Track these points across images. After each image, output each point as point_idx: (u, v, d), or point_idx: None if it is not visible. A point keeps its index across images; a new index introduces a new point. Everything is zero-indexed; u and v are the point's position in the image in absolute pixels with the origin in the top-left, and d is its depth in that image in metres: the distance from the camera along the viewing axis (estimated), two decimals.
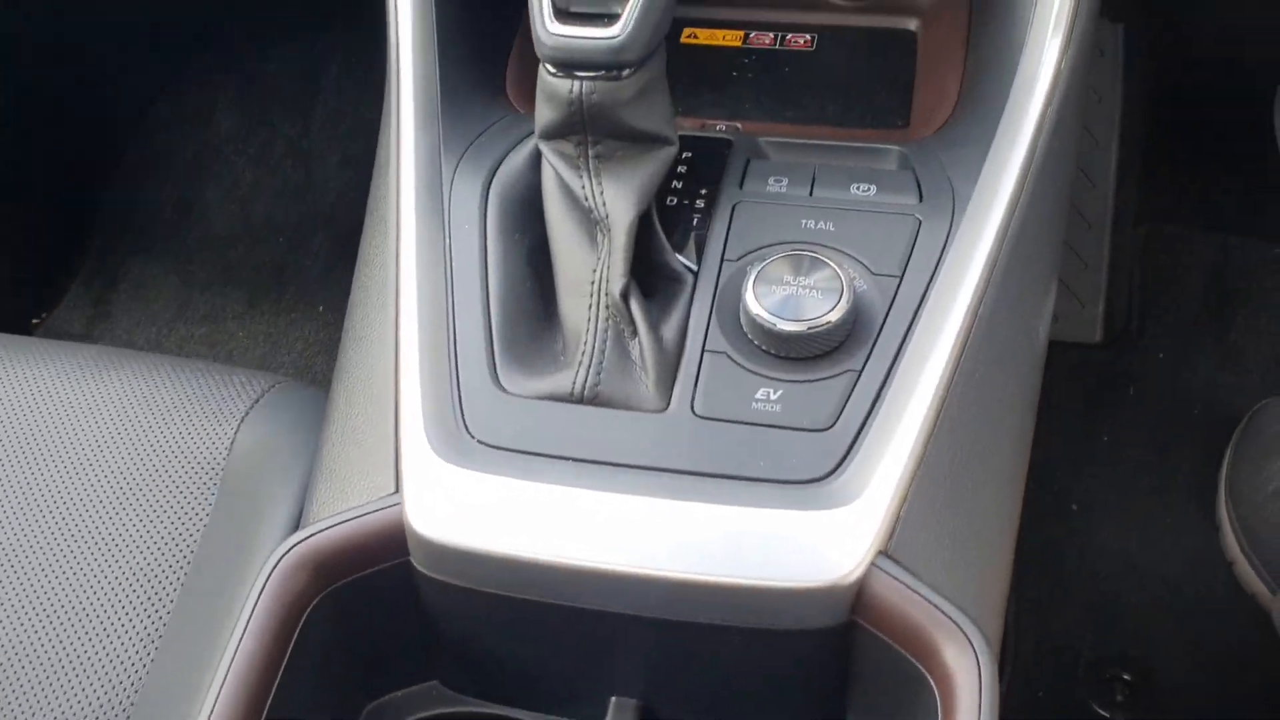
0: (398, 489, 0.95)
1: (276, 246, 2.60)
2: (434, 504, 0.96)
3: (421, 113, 1.20)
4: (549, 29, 1.00)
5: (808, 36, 1.48)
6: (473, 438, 1.00)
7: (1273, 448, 1.99)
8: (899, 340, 1.01)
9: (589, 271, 1.05)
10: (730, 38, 1.49)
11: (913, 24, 1.47)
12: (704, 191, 1.15)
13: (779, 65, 1.45)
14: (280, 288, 2.55)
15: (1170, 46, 2.06)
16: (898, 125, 1.34)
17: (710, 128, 1.36)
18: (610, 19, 1.00)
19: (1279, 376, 2.28)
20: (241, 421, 1.39)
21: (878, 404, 0.98)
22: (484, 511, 0.96)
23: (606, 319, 1.04)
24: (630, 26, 0.99)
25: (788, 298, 1.00)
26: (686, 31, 1.50)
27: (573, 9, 1.01)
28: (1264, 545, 1.93)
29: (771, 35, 1.49)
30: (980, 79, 1.26)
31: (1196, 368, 2.27)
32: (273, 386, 1.44)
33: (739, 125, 1.36)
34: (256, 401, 1.41)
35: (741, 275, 1.05)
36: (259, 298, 2.56)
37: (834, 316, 0.99)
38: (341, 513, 0.98)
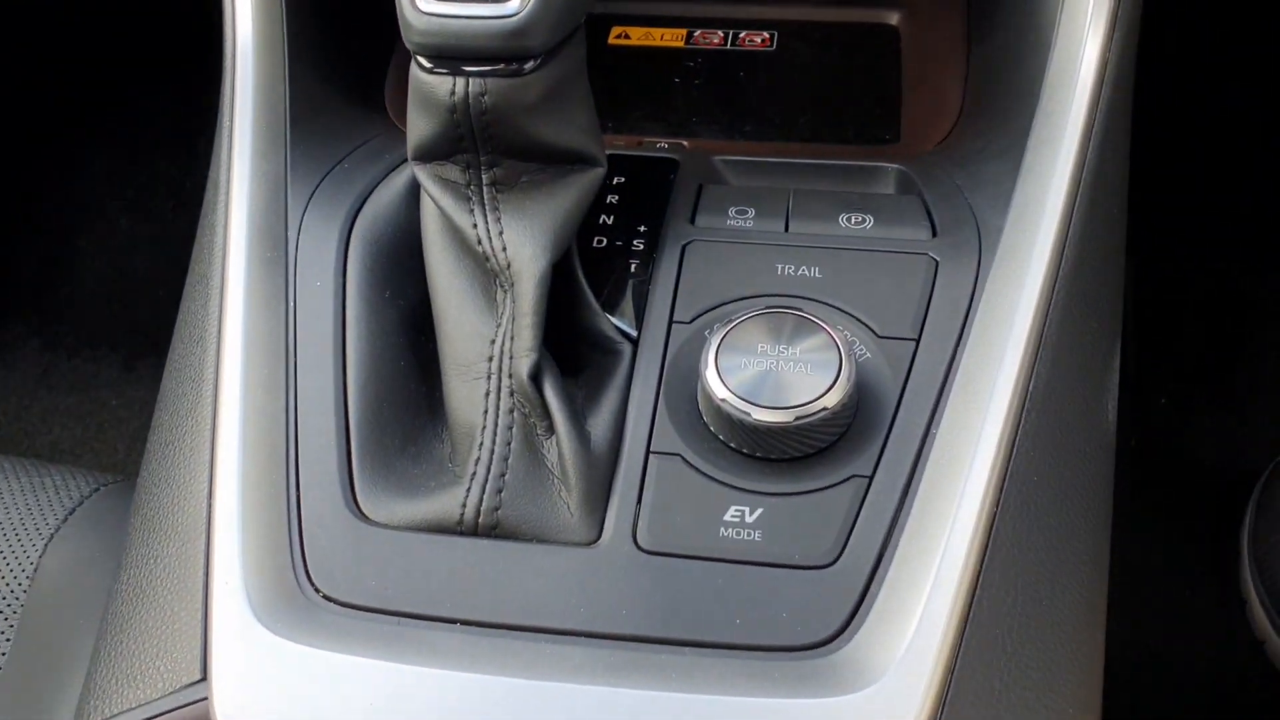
0: (204, 675, 0.64)
1: (157, 302, 2.28)
2: (255, 698, 0.65)
3: (262, 131, 0.90)
4: (419, 5, 0.71)
5: (766, 34, 1.21)
6: (317, 592, 0.69)
7: None
8: (921, 431, 0.72)
9: (485, 344, 0.76)
10: (670, 37, 1.21)
11: (894, 18, 1.20)
12: (643, 228, 0.86)
13: (732, 69, 1.17)
14: (160, 349, 2.22)
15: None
16: (885, 140, 1.06)
17: (649, 146, 1.07)
18: None
19: None
20: (50, 540, 1.06)
21: (898, 526, 0.69)
22: (331, 712, 0.64)
23: (510, 410, 0.74)
24: (533, 2, 0.70)
25: (764, 375, 0.71)
26: (615, 30, 1.22)
27: None
28: None
29: (721, 34, 1.21)
30: (994, 78, 0.99)
31: (1200, 415, 2.03)
32: (97, 489, 1.12)
33: (684, 143, 1.07)
34: (73, 512, 1.09)
35: (699, 344, 0.76)
36: (136, 361, 2.25)
37: (830, 400, 0.70)
38: (123, 714, 0.66)
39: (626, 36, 1.22)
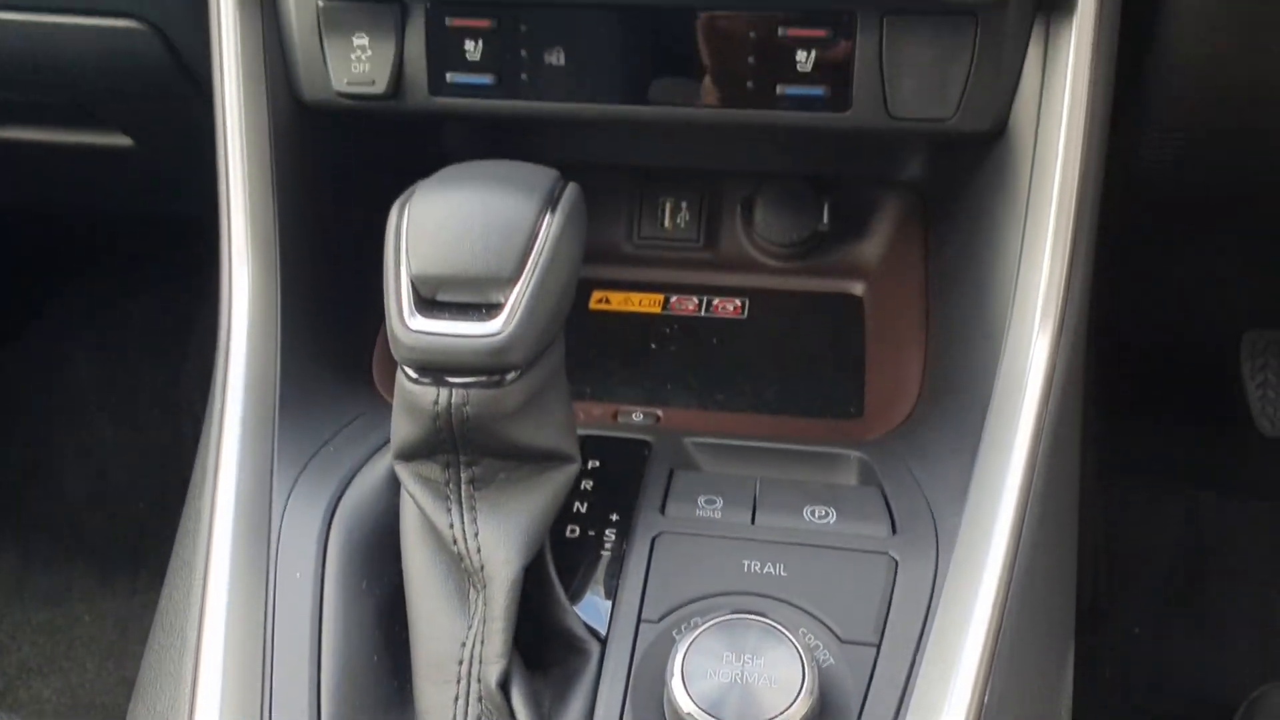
0: None
1: (136, 514, 2.28)
2: None
3: (251, 418, 0.93)
4: (408, 324, 0.76)
5: (738, 302, 1.27)
6: None
7: None
8: None
9: (456, 645, 0.78)
10: (648, 303, 1.27)
11: (858, 288, 1.26)
12: (615, 517, 0.89)
13: (706, 336, 1.23)
14: (136, 563, 2.22)
15: (1136, 299, 1.92)
16: (850, 414, 1.11)
17: (625, 416, 1.11)
18: (490, 310, 0.76)
19: (1266, 651, 2.05)
20: None
21: None
22: None
23: (478, 717, 0.75)
24: (516, 321, 0.75)
25: (729, 687, 0.73)
26: (597, 295, 1.28)
27: (440, 297, 0.76)
28: None
29: (696, 300, 1.27)
30: (949, 363, 1.04)
31: (1174, 643, 2.03)
32: None
33: (659, 413, 1.12)
34: None
35: (666, 644, 0.78)
36: (111, 575, 2.23)
37: (794, 715, 0.72)
38: None
39: (607, 301, 1.28)
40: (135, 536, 2.28)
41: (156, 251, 2.42)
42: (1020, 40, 0.96)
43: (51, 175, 1.69)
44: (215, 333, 1.00)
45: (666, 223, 1.33)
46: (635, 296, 1.28)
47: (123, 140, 1.41)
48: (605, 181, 1.32)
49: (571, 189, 0.82)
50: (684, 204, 1.33)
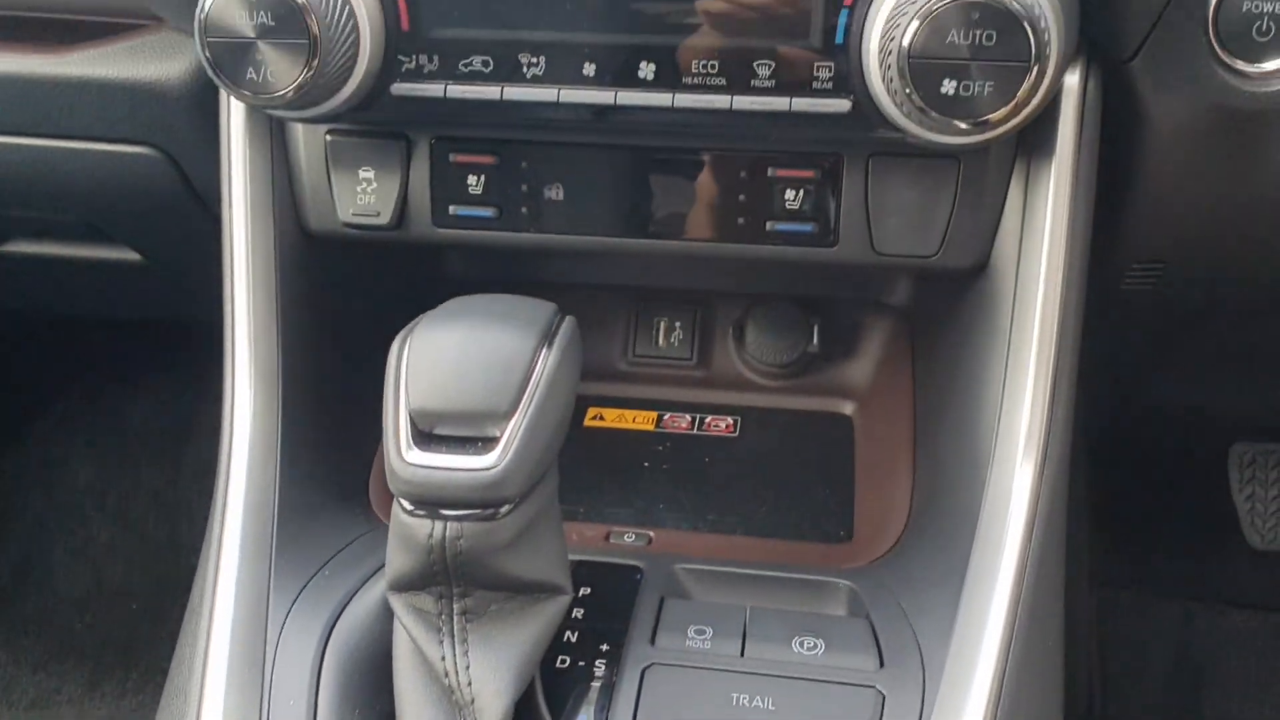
0: None
1: (129, 615, 2.27)
2: None
3: (250, 543, 0.95)
4: (405, 457, 0.78)
5: (730, 420, 1.29)
6: None
7: None
8: None
9: None
10: (642, 420, 1.30)
11: (848, 408, 1.29)
12: (605, 647, 0.90)
13: (698, 454, 1.25)
14: (128, 665, 2.20)
15: (1124, 407, 1.94)
16: (840, 537, 1.12)
17: (617, 537, 1.13)
18: (485, 444, 0.78)
19: None
20: None
21: None
22: None
23: None
24: (511, 455, 0.78)
25: None
26: (592, 412, 1.30)
27: (438, 431, 0.79)
28: None
29: (689, 418, 1.29)
30: (936, 492, 1.06)
31: None
32: None
33: (651, 535, 1.14)
34: None
35: None
36: (102, 677, 2.21)
37: None
38: None
39: (602, 418, 1.30)
40: (127, 638, 2.27)
41: (157, 353, 2.45)
42: (1001, 181, 1.00)
43: (58, 285, 1.73)
44: (216, 439, 1.03)
45: (661, 341, 1.36)
46: (630, 414, 1.30)
47: (131, 255, 1.45)
48: (601, 300, 1.36)
49: (568, 323, 0.85)
50: (678, 323, 1.36)
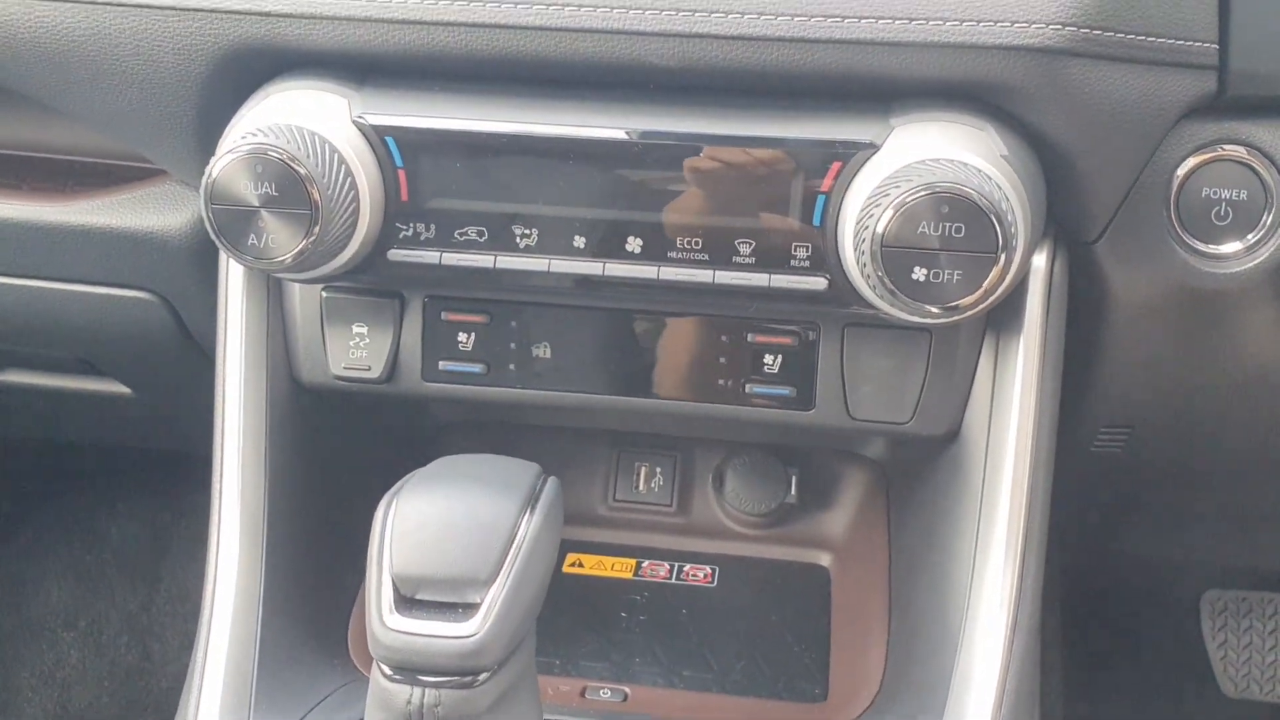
0: None
1: None
2: None
3: (230, 688, 0.96)
4: (387, 622, 0.79)
5: (708, 569, 1.31)
6: None
7: None
8: None
9: None
10: (620, 567, 1.31)
11: (825, 559, 1.31)
12: None
13: (676, 605, 1.26)
14: None
15: (1093, 554, 1.96)
16: (815, 696, 1.13)
17: (593, 693, 1.13)
18: (466, 609, 0.80)
19: None
20: None
21: None
22: None
23: None
24: (491, 622, 0.79)
25: None
26: (571, 558, 1.32)
27: (419, 596, 0.80)
28: None
29: (668, 566, 1.31)
30: (909, 654, 1.08)
31: None
32: None
33: (627, 690, 1.14)
34: None
35: None
36: None
37: None
38: None
39: (581, 564, 1.31)
40: None
41: (134, 474, 2.44)
42: (972, 353, 1.04)
43: (45, 414, 1.74)
44: (191, 563, 1.03)
45: (641, 486, 1.38)
46: (609, 560, 1.32)
47: (120, 388, 1.47)
48: (582, 446, 1.38)
49: (551, 485, 0.87)
50: (658, 469, 1.38)
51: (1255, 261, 1.00)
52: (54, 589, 2.42)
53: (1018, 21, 0.88)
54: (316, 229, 0.92)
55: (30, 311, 1.27)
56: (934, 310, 0.89)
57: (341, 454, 1.19)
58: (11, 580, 2.41)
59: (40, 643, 2.36)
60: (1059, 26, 0.88)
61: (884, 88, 0.93)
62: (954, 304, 0.89)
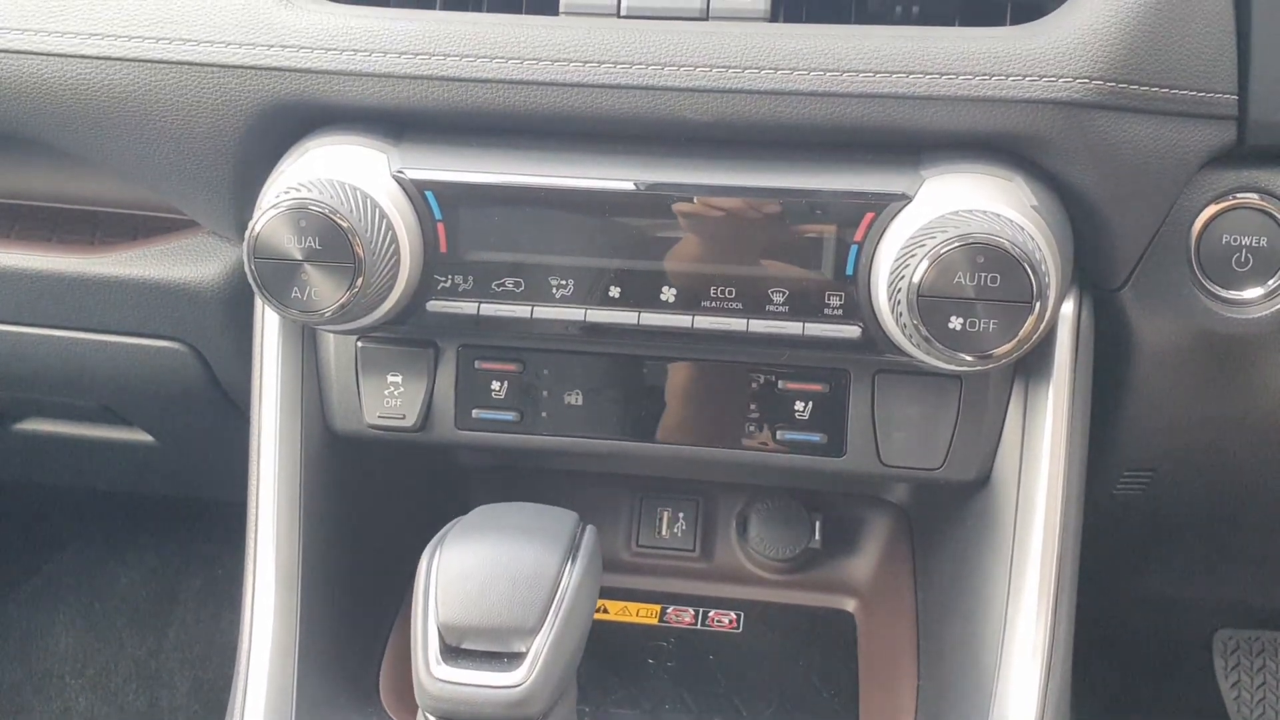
0: None
1: None
2: None
3: None
4: (433, 672, 0.80)
5: (734, 615, 1.31)
6: None
7: None
8: None
9: None
10: (645, 613, 1.31)
11: (850, 604, 1.31)
12: None
13: (702, 651, 1.26)
14: None
15: (1108, 597, 1.97)
16: None
17: None
18: (512, 659, 0.81)
19: None
20: None
21: None
22: None
23: None
24: (537, 671, 0.80)
25: None
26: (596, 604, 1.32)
27: (465, 645, 0.81)
28: None
29: (693, 612, 1.31)
30: (941, 702, 1.08)
31: None
32: None
33: None
34: None
35: None
36: None
37: None
38: None
39: (606, 610, 1.32)
40: None
41: (144, 521, 2.44)
42: (1001, 399, 1.05)
43: (67, 462, 1.74)
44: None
45: (664, 531, 1.39)
46: (634, 606, 1.32)
47: (144, 437, 1.47)
48: (606, 490, 1.39)
49: (589, 535, 0.89)
50: (681, 514, 1.39)
51: (1276, 307, 1.02)
52: (63, 636, 2.41)
53: (1045, 76, 0.90)
54: (359, 281, 0.93)
55: (59, 361, 1.27)
56: (969, 359, 0.91)
57: (370, 501, 1.20)
58: (21, 627, 2.40)
59: (49, 689, 2.35)
60: (1086, 80, 0.90)
61: (914, 140, 0.95)
62: (989, 352, 0.90)
